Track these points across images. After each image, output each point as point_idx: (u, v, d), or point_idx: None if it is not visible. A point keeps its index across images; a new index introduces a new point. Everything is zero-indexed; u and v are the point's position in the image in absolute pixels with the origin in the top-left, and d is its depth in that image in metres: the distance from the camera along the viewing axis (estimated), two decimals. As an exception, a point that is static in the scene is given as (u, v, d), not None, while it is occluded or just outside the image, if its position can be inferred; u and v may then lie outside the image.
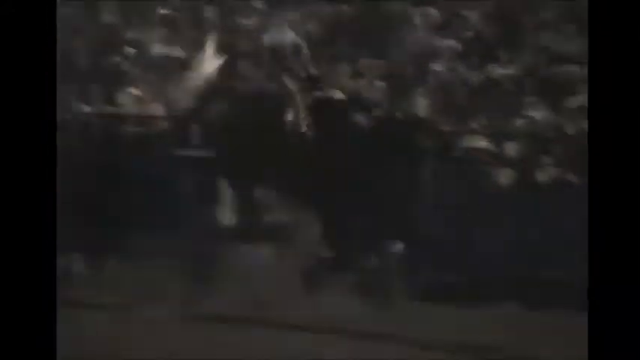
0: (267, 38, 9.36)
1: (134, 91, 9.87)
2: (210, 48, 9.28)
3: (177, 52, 10.13)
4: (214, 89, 9.20)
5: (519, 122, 9.30)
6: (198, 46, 9.53)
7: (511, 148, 9.12)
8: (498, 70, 9.72)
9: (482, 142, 9.10)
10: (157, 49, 10.31)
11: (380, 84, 9.66)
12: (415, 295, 8.86)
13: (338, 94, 9.22)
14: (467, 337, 8.58)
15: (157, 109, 9.73)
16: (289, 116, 8.97)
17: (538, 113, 9.20)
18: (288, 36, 9.34)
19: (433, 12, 10.35)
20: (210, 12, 10.60)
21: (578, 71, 9.35)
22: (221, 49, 9.29)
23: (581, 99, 8.96)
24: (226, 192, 9.13)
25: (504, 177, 8.95)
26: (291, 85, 9.10)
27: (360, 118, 9.11)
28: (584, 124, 8.33)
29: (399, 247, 8.84)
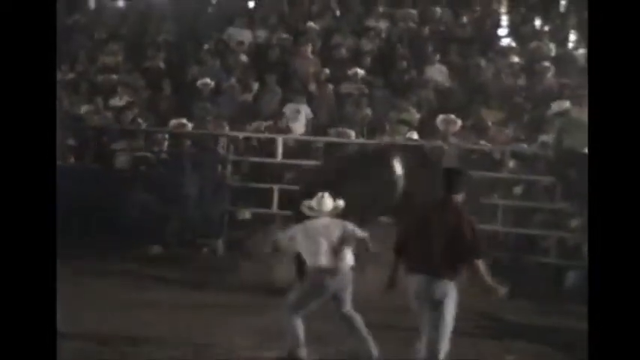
0: None
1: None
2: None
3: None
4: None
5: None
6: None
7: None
8: (68, 76, 14.34)
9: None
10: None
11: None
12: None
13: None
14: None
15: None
16: None
17: (86, 107, 13.69)
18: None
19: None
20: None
21: (115, 78, 14.14)
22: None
23: (125, 98, 13.48)
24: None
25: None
26: None
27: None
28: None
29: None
